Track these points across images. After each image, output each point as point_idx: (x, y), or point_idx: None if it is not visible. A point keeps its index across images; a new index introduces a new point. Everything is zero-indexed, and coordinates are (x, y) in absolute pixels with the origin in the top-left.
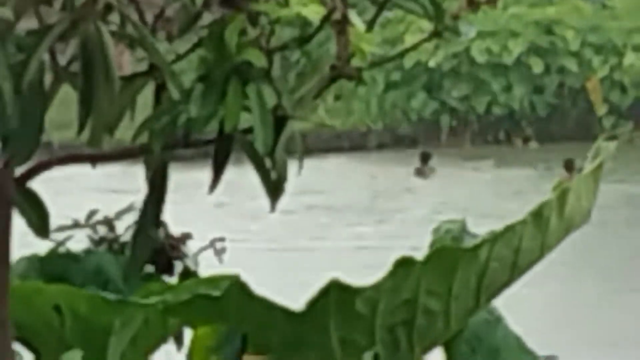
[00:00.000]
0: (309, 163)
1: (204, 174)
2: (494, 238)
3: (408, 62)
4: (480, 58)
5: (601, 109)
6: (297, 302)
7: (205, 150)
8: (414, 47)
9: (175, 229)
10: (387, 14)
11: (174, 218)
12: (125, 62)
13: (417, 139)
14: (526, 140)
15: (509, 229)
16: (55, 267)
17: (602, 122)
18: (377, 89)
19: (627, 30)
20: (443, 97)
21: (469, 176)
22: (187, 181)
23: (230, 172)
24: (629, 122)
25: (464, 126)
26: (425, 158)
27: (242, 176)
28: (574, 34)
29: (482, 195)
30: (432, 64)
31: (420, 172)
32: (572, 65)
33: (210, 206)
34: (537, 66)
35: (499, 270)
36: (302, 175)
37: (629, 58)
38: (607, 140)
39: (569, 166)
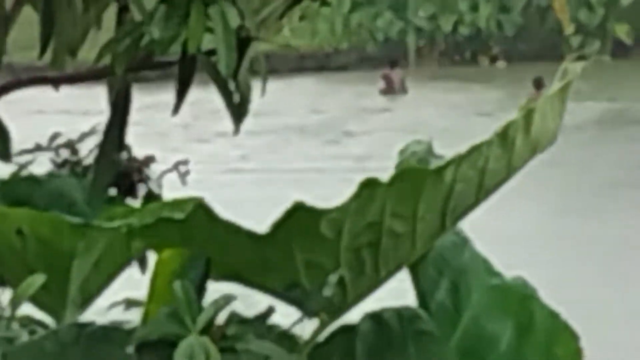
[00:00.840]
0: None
1: (168, 95)
2: (460, 159)
3: None
4: None
5: (568, 28)
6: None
7: (169, 72)
8: None
9: (138, 151)
10: None
11: (138, 140)
12: None
13: (383, 59)
14: (493, 59)
15: (475, 149)
16: (18, 190)
17: (570, 41)
18: (342, 9)
19: None
20: (409, 16)
21: (436, 96)
22: (150, 103)
23: (195, 93)
24: (596, 41)
25: (430, 46)
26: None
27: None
28: None
29: (448, 116)
30: None
31: (385, 92)
32: None
33: (175, 127)
34: None
35: (464, 192)
36: (267, 96)
37: None
38: (575, 60)
39: (538, 84)
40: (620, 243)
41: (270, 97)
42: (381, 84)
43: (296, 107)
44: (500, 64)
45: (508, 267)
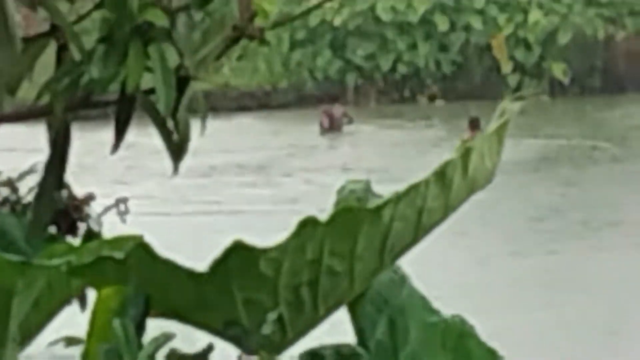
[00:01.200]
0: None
1: (108, 133)
2: (398, 198)
3: (313, 20)
4: (385, 16)
5: (506, 67)
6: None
7: (109, 111)
8: (318, 6)
9: (78, 190)
10: None
11: (77, 178)
12: (34, 22)
13: (323, 97)
14: (432, 98)
15: (412, 188)
16: None
17: (508, 80)
18: (282, 48)
19: None
20: (348, 55)
21: (374, 135)
22: (90, 141)
23: (134, 132)
24: (533, 80)
25: (369, 85)
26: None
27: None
28: None
29: (387, 154)
30: (337, 22)
31: (326, 130)
32: (477, 23)
33: (115, 167)
34: (443, 24)
35: (403, 230)
36: (207, 135)
37: (534, 15)
38: (513, 100)
39: (473, 124)
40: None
41: (210, 136)
42: (323, 120)
43: (236, 146)
44: (439, 102)
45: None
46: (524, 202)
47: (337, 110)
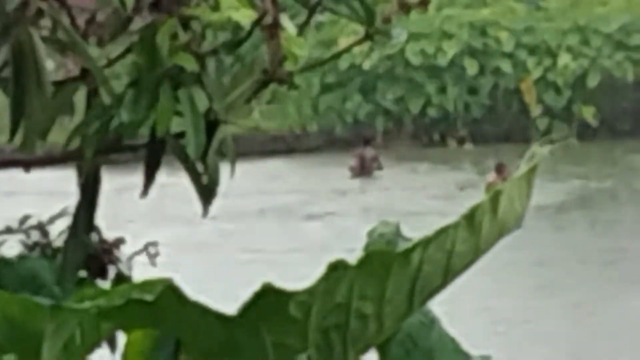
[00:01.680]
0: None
1: (138, 177)
2: (427, 241)
3: (343, 64)
4: (415, 60)
5: (535, 110)
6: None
7: (139, 154)
8: (346, 50)
9: (109, 233)
10: (322, 17)
11: (107, 221)
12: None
13: (352, 141)
14: (461, 141)
15: (442, 232)
16: None
17: (537, 123)
18: (312, 92)
19: (560, 31)
20: (378, 99)
21: (404, 178)
22: (120, 185)
23: (164, 176)
24: (562, 124)
25: (398, 128)
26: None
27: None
28: (508, 35)
29: (417, 198)
30: (366, 66)
31: (356, 174)
32: (506, 66)
33: (144, 209)
34: (472, 67)
35: (432, 274)
36: (236, 178)
37: (563, 59)
38: (543, 143)
39: (499, 169)
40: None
41: (240, 179)
42: (353, 163)
43: (265, 189)
44: (468, 146)
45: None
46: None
47: (369, 153)
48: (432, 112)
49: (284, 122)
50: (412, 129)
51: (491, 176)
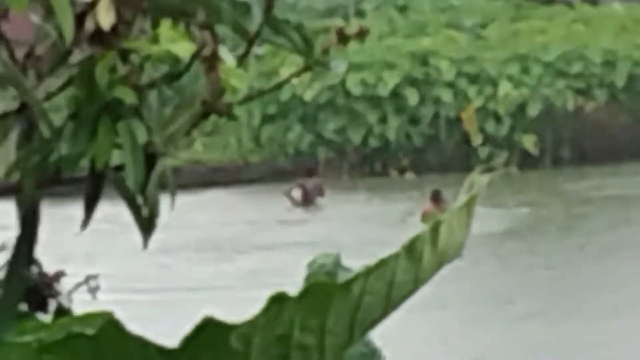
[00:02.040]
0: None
1: (78, 209)
2: (368, 272)
3: (284, 95)
4: (356, 90)
5: (477, 139)
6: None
7: (79, 187)
8: (287, 81)
9: (49, 266)
10: (263, 49)
11: (48, 254)
12: None
13: (294, 171)
14: (402, 171)
15: (382, 263)
16: None
17: (478, 152)
18: (253, 122)
19: (501, 61)
20: (319, 129)
21: (346, 208)
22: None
23: (105, 208)
24: (504, 152)
25: (340, 158)
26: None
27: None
28: (448, 65)
29: (359, 227)
30: (308, 96)
31: (298, 204)
32: (447, 95)
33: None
34: (413, 97)
35: (372, 304)
36: (177, 209)
37: (504, 88)
38: (482, 172)
39: (435, 198)
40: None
41: (180, 211)
42: (296, 194)
43: (206, 221)
44: (410, 175)
45: None
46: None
47: (312, 183)
48: (373, 142)
49: (225, 154)
50: (354, 158)
51: (427, 204)
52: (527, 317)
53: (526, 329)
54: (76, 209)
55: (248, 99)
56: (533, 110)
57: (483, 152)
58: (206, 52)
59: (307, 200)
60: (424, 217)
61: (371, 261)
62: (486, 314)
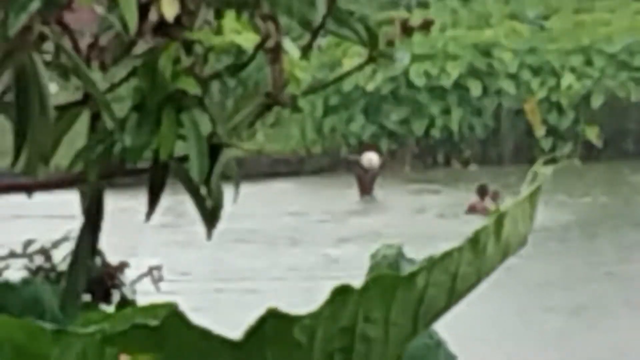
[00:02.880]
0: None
1: (141, 200)
2: (431, 265)
3: (347, 86)
4: (419, 81)
5: (539, 131)
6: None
7: (142, 178)
8: (350, 73)
9: (112, 257)
10: (326, 39)
11: (111, 245)
12: None
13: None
14: (465, 163)
15: (446, 255)
16: None
17: (541, 144)
18: (316, 113)
19: (564, 52)
20: (382, 120)
21: (409, 200)
22: (124, 208)
23: (168, 199)
24: (567, 144)
25: (403, 149)
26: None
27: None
28: (511, 56)
29: (422, 220)
30: (370, 87)
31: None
32: (510, 87)
33: (148, 233)
34: (476, 89)
35: (436, 296)
36: (241, 201)
37: (567, 79)
38: (545, 163)
39: (482, 192)
40: None
41: (244, 202)
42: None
43: (270, 212)
44: (472, 166)
45: None
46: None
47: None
48: (436, 133)
49: (288, 145)
50: (416, 150)
51: (473, 199)
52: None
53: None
54: (139, 200)
55: (311, 90)
56: (596, 102)
57: (546, 143)
58: (270, 43)
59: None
60: (469, 210)
61: (435, 253)
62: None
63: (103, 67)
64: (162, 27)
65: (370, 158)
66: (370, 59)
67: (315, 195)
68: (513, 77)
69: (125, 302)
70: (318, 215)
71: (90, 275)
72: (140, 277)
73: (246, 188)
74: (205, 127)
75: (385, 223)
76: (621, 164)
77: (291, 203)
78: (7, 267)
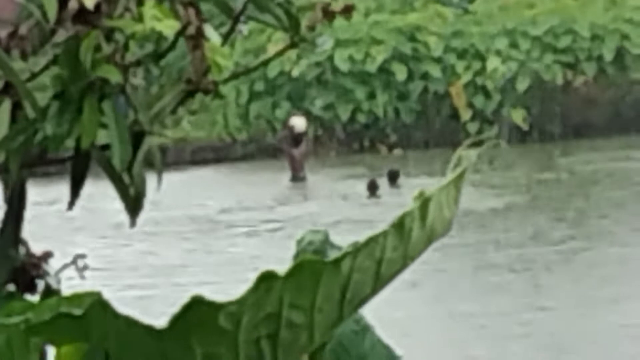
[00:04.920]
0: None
1: (64, 189)
2: (356, 250)
3: (271, 72)
4: (344, 66)
5: (465, 114)
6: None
7: (65, 167)
8: (273, 58)
9: (35, 247)
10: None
11: (34, 235)
12: None
13: (282, 149)
14: (391, 147)
15: (371, 240)
16: None
17: (467, 128)
18: (241, 100)
19: (489, 35)
20: (307, 106)
21: (337, 185)
22: (47, 197)
23: (90, 186)
24: (493, 127)
25: (329, 135)
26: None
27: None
28: (436, 40)
29: (347, 205)
30: (295, 73)
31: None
32: (435, 71)
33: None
34: (401, 73)
35: (362, 282)
36: (165, 188)
37: (492, 63)
38: (469, 147)
39: (392, 177)
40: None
41: (168, 189)
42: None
43: (196, 199)
44: (398, 151)
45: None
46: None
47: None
48: (362, 118)
49: (213, 132)
50: (342, 135)
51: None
52: None
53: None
54: (63, 188)
55: (234, 76)
56: (522, 85)
57: (472, 127)
58: (191, 30)
59: (296, 170)
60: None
61: (360, 238)
62: None
63: (23, 56)
64: (82, 15)
65: (296, 123)
66: (292, 45)
67: (242, 181)
68: (438, 60)
69: (50, 292)
70: (247, 202)
71: (14, 265)
72: (64, 267)
73: (170, 176)
74: (127, 115)
75: (312, 210)
76: (547, 147)
77: (215, 190)
78: None
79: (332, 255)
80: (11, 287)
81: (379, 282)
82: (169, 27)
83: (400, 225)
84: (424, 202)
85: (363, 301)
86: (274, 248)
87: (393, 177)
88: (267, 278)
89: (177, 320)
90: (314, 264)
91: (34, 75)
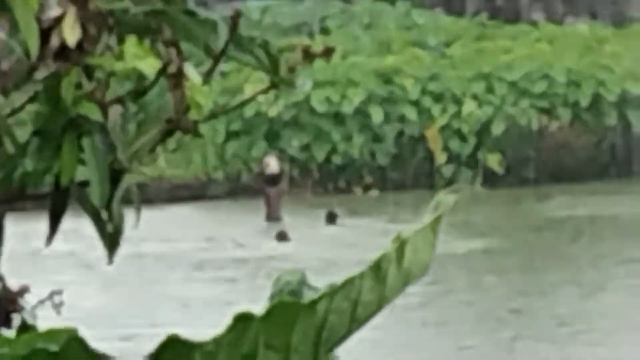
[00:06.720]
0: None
1: (43, 224)
2: (333, 292)
3: (248, 111)
4: (320, 107)
5: (441, 158)
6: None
7: (44, 202)
8: (251, 99)
9: (13, 281)
10: (228, 65)
11: (11, 270)
12: None
13: (257, 189)
14: (366, 188)
15: (348, 282)
16: None
17: (442, 171)
18: (218, 139)
19: (465, 79)
20: (283, 146)
21: (311, 226)
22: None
23: (69, 223)
24: (468, 171)
25: (304, 175)
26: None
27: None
28: (413, 83)
29: (324, 245)
30: (272, 113)
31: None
32: (411, 114)
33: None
34: (377, 115)
35: (338, 323)
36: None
37: (468, 106)
38: (448, 193)
39: (330, 218)
40: None
41: (145, 225)
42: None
43: (166, 235)
44: (373, 192)
45: None
46: None
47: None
48: (337, 159)
49: (189, 170)
50: (318, 176)
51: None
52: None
53: None
54: (41, 224)
55: (212, 116)
56: (497, 129)
57: (447, 170)
58: (171, 69)
59: (272, 209)
60: None
61: (337, 280)
62: None
63: (4, 92)
64: (63, 52)
65: (268, 162)
66: (272, 85)
67: (218, 220)
68: (414, 103)
69: (25, 327)
70: (215, 241)
71: None
72: (40, 302)
73: (147, 213)
74: (107, 153)
75: (285, 251)
76: (521, 191)
77: (192, 227)
78: None
79: (309, 296)
80: None
81: (355, 324)
82: (150, 66)
83: (377, 268)
84: (401, 244)
85: (339, 342)
86: (243, 287)
87: (331, 218)
88: (243, 318)
89: (154, 359)
90: (290, 305)
91: (14, 111)
